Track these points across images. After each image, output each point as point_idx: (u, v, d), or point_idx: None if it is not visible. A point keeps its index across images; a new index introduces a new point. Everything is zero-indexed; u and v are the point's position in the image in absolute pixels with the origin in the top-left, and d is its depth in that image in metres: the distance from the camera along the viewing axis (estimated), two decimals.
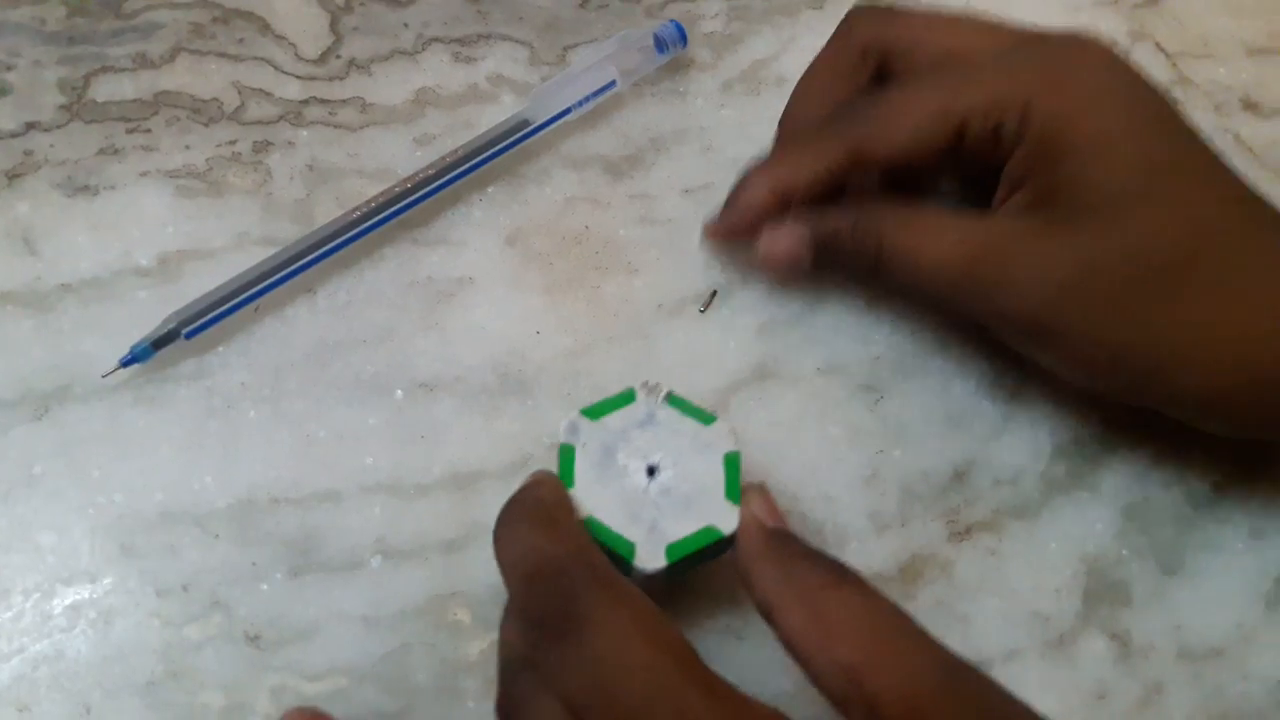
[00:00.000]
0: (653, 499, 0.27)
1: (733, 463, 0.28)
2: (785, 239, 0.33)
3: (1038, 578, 0.32)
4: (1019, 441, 0.34)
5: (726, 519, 0.27)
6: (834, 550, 0.32)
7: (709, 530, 0.27)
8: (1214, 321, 0.28)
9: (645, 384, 0.29)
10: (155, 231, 0.34)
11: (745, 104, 0.39)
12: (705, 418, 0.29)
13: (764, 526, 0.27)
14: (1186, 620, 0.32)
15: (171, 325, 0.32)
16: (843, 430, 0.34)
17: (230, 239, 0.35)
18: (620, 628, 0.23)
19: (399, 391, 0.33)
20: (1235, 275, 0.28)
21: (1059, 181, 0.29)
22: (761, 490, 0.28)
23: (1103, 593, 0.32)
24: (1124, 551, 0.33)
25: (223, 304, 0.32)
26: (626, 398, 0.29)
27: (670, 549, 0.27)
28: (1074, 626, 0.32)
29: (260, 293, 0.33)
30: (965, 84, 0.30)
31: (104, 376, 0.32)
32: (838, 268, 0.33)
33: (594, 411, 0.29)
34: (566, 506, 0.27)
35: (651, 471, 0.28)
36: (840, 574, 0.25)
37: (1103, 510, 0.33)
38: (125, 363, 0.31)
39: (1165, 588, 0.33)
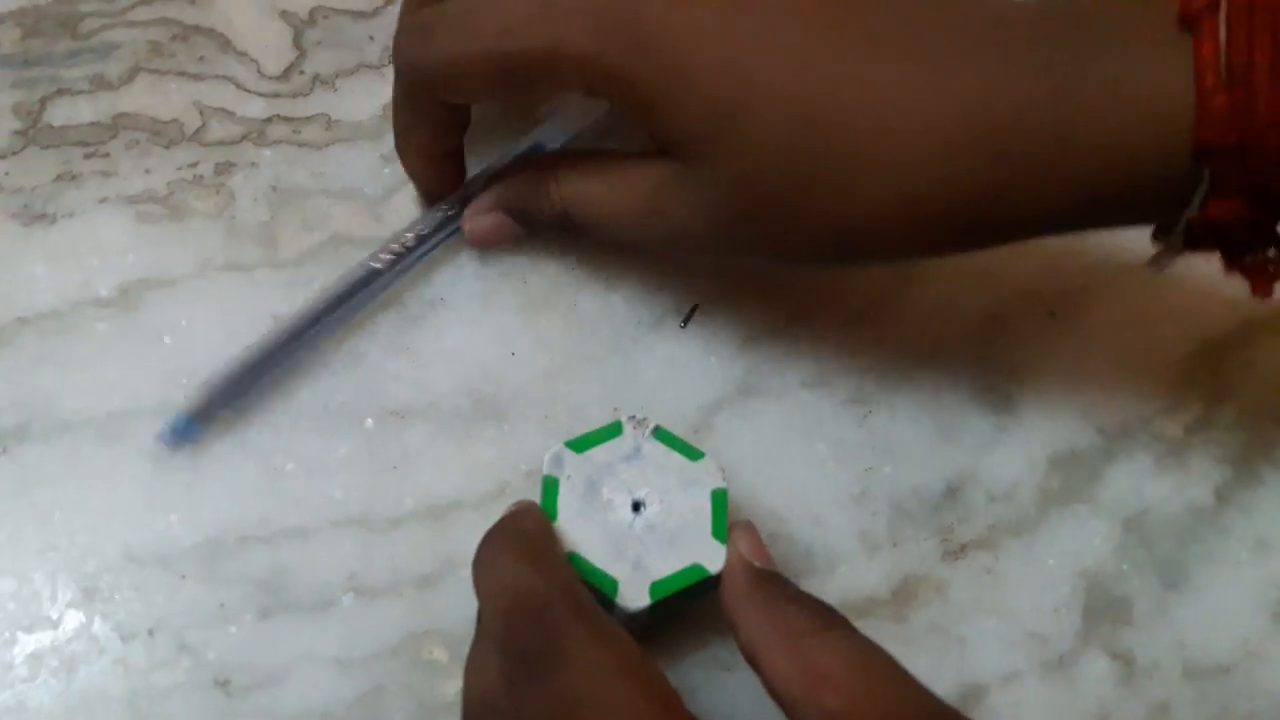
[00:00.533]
0: (637, 535, 0.27)
1: (720, 499, 0.27)
2: (484, 220, 0.33)
3: (1036, 596, 0.31)
4: (1013, 453, 0.33)
5: (713, 557, 0.27)
6: (824, 573, 0.31)
7: (695, 569, 0.26)
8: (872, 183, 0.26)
9: (632, 417, 0.28)
10: (115, 260, 0.33)
11: None
12: (693, 453, 0.28)
13: (750, 567, 0.26)
14: (1191, 637, 0.31)
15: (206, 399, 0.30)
16: (830, 447, 0.33)
17: (193, 266, 0.33)
18: (602, 667, 0.22)
19: (369, 420, 0.32)
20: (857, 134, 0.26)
21: (657, 132, 0.28)
22: (749, 528, 0.27)
23: (1103, 610, 0.31)
24: (1124, 566, 0.32)
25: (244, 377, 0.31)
26: (613, 430, 0.28)
27: (654, 587, 0.26)
28: (1074, 647, 0.31)
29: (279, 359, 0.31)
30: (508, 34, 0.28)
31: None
32: (541, 229, 0.33)
33: (579, 444, 0.28)
34: (551, 537, 0.26)
35: (637, 507, 0.27)
36: (827, 618, 0.24)
37: (1101, 523, 0.32)
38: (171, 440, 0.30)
39: (1168, 603, 0.31)
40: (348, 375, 0.32)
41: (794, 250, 0.28)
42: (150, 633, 0.29)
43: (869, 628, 0.24)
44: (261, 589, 0.30)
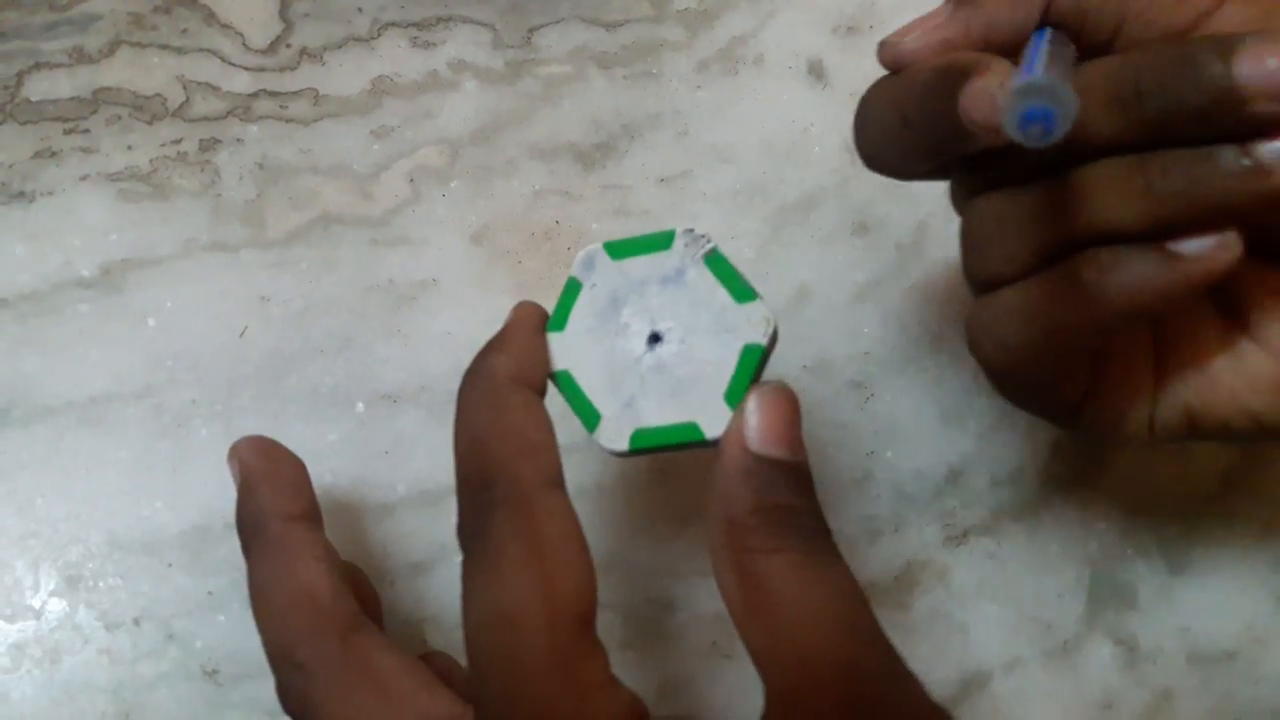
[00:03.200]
0: (642, 372, 0.23)
1: (750, 357, 0.22)
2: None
3: (1039, 582, 0.31)
4: (1016, 437, 0.32)
5: (715, 421, 0.22)
6: None
7: (689, 428, 0.22)
8: None
9: (690, 230, 0.23)
10: (97, 240, 0.32)
11: (723, 85, 0.37)
12: (743, 293, 0.23)
13: (743, 450, 0.21)
14: (1195, 622, 0.31)
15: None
16: (831, 431, 0.32)
17: (177, 245, 0.33)
18: (512, 568, 0.20)
19: (360, 404, 0.31)
20: None
21: None
22: (773, 397, 0.21)
23: (1107, 596, 0.31)
24: (1129, 551, 0.31)
25: None
26: (663, 241, 0.24)
27: (637, 435, 0.23)
28: (1078, 633, 0.30)
29: None
30: None
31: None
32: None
33: (620, 249, 0.24)
34: (525, 378, 0.22)
35: (654, 339, 0.23)
36: (783, 536, 0.20)
37: (1105, 508, 0.32)
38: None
39: (1172, 588, 0.31)
40: (337, 358, 0.32)
41: None
42: (136, 622, 0.28)
43: None
44: None
